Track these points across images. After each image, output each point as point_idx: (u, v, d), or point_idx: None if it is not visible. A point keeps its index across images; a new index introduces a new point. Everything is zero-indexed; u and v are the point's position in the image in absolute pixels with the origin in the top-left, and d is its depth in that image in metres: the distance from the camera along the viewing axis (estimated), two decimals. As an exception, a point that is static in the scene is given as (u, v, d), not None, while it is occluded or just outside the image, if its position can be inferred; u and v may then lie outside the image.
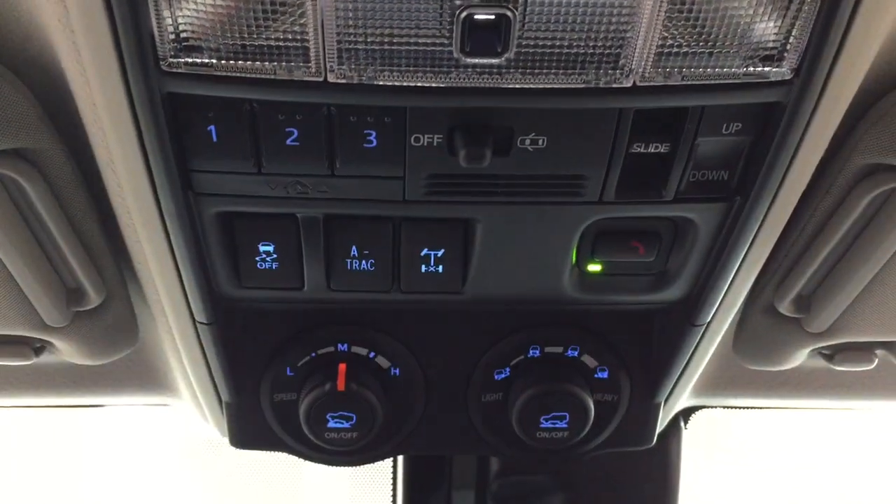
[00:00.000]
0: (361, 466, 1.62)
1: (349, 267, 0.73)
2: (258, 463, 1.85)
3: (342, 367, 0.83)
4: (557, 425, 0.86)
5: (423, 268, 0.74)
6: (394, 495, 1.38)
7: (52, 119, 0.68)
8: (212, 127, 0.61)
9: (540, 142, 0.62)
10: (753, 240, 0.71)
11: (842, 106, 0.62)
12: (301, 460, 0.96)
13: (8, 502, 2.19)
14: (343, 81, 0.57)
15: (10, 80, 0.64)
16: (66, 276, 0.78)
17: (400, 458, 1.34)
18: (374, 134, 0.62)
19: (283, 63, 0.56)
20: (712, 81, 0.58)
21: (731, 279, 0.75)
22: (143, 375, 1.00)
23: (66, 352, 0.87)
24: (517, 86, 0.57)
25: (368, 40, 0.55)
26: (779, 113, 0.61)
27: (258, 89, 0.57)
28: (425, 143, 0.62)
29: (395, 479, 1.37)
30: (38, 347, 0.88)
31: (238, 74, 0.56)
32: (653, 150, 0.64)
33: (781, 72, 0.58)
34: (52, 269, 0.77)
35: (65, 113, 0.67)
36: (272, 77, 0.56)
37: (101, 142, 0.65)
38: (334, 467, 0.97)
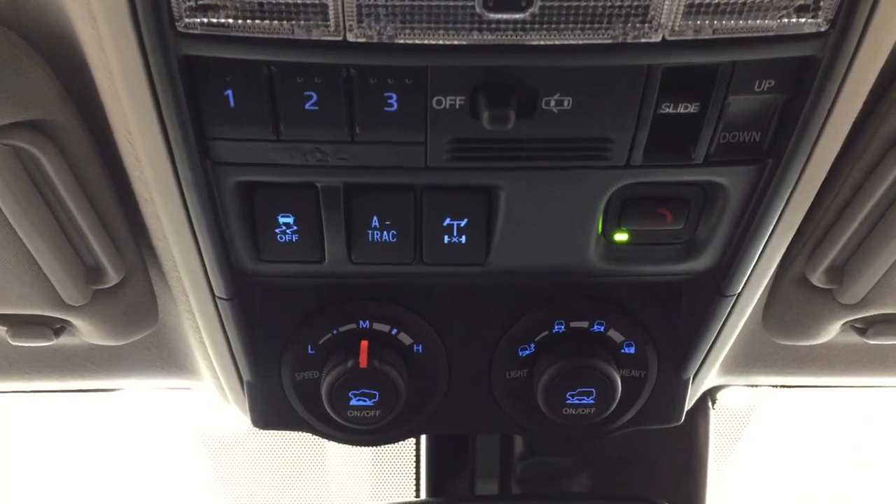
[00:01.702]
0: (385, 450, 1.63)
1: (370, 238, 0.72)
2: (281, 446, 1.85)
3: (364, 343, 0.82)
4: (584, 401, 0.84)
5: (446, 238, 0.72)
6: (417, 478, 1.37)
7: (68, 91, 0.67)
8: (229, 91, 0.59)
9: (565, 103, 0.60)
10: (786, 205, 0.69)
11: (878, 61, 0.60)
12: (324, 444, 0.95)
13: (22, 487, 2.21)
14: (363, 40, 0.55)
15: (25, 49, 0.63)
16: (84, 254, 0.78)
17: (423, 441, 1.33)
18: (394, 97, 0.60)
19: (302, 22, 0.54)
20: (744, 35, 0.56)
21: (762, 246, 0.73)
22: (164, 357, 1.00)
23: (85, 332, 0.87)
24: (542, 42, 0.56)
25: None
26: (813, 68, 0.59)
27: (276, 50, 0.56)
28: (447, 106, 0.60)
29: (418, 461, 1.36)
30: (58, 328, 0.87)
31: (255, 35, 0.55)
32: (682, 111, 0.62)
33: (816, 23, 0.56)
34: (71, 247, 0.76)
35: (81, 85, 0.66)
36: (290, 37, 0.55)
37: (118, 112, 0.64)
38: (358, 448, 0.96)
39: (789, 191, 0.68)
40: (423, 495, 1.33)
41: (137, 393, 1.15)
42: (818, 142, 0.64)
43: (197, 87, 0.59)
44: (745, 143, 0.65)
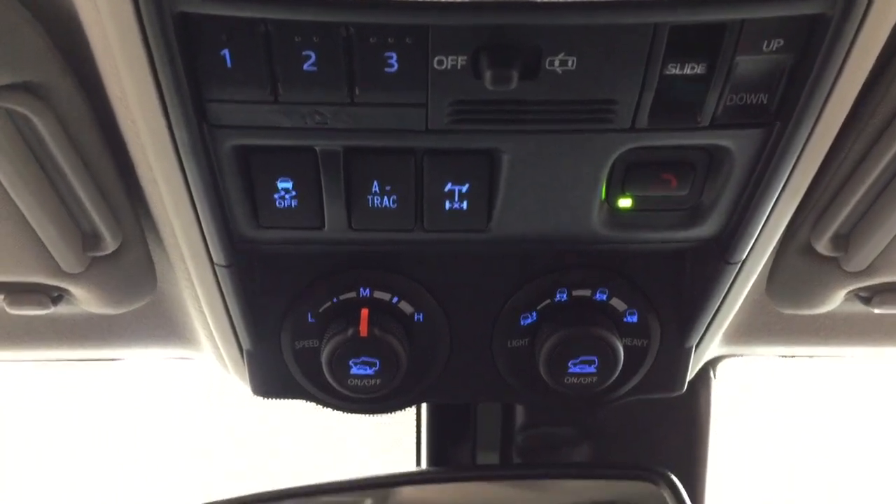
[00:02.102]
0: (385, 419, 1.63)
1: (370, 204, 0.71)
2: (280, 416, 1.86)
3: (364, 311, 0.82)
4: (586, 370, 0.84)
5: (447, 204, 0.71)
6: (418, 448, 1.37)
7: (62, 53, 0.65)
8: (225, 51, 0.58)
9: (569, 63, 0.59)
10: (793, 169, 0.68)
11: (890, 20, 0.58)
12: (324, 413, 0.95)
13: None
14: None
15: (17, 8, 0.61)
16: (81, 220, 0.77)
17: (424, 410, 1.33)
18: (394, 57, 0.59)
19: None
20: None
21: (768, 213, 0.72)
22: (164, 327, 0.99)
23: (83, 300, 0.86)
24: None
25: None
26: (823, 27, 0.57)
27: (272, 7, 0.55)
28: (449, 66, 0.59)
29: (419, 431, 1.36)
30: (56, 297, 0.87)
31: None
32: (688, 72, 0.60)
33: None
34: (67, 213, 0.76)
35: (76, 46, 0.65)
36: None
37: (113, 74, 0.63)
38: (358, 418, 0.96)
39: (796, 155, 0.66)
40: (423, 465, 1.33)
41: (139, 363, 1.15)
42: (827, 104, 0.63)
43: (193, 46, 0.58)
44: (753, 106, 0.64)
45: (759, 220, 0.73)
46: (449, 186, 0.70)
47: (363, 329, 0.81)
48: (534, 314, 0.86)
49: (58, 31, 0.64)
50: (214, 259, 0.75)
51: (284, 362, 0.88)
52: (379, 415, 0.95)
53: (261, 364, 0.89)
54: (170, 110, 0.61)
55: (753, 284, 0.86)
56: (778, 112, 0.64)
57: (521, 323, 0.86)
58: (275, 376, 0.89)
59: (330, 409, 0.93)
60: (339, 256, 0.82)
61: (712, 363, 1.21)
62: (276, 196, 0.70)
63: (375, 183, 0.69)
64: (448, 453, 1.29)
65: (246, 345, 0.87)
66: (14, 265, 0.80)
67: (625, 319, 0.86)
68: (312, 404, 0.93)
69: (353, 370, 0.82)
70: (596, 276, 0.84)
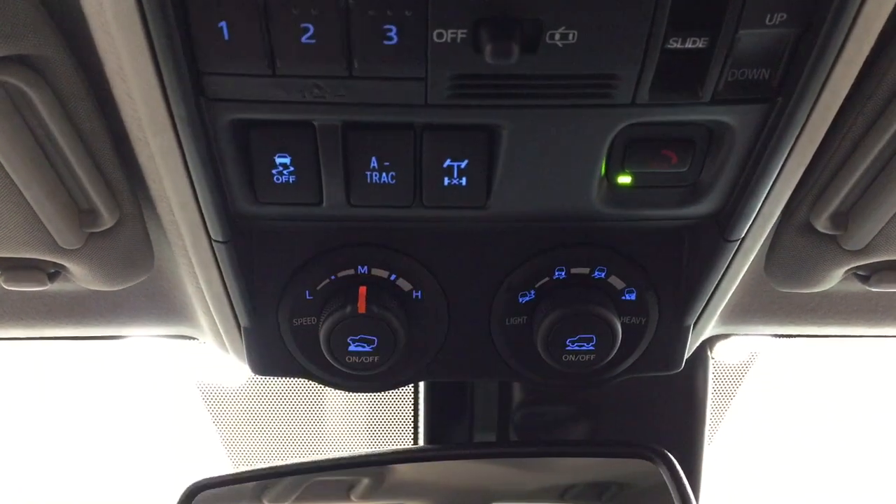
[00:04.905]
0: (382, 398, 1.63)
1: (369, 180, 0.70)
2: (278, 394, 1.86)
3: (363, 289, 0.82)
4: (584, 348, 0.84)
5: (446, 180, 0.71)
6: (415, 426, 1.38)
7: (58, 26, 0.65)
8: (223, 23, 0.57)
9: (570, 36, 0.59)
10: (793, 146, 0.68)
11: None
12: (321, 391, 0.95)
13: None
14: None
15: None
16: (77, 196, 0.77)
17: (421, 389, 1.33)
18: (394, 30, 0.58)
19: None
20: None
21: (768, 189, 0.72)
22: (162, 304, 0.99)
23: (80, 276, 0.86)
24: None
25: None
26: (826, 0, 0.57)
27: None
28: (448, 40, 0.58)
29: (416, 409, 1.36)
30: (53, 273, 0.86)
31: None
32: (690, 46, 0.60)
33: None
34: (64, 188, 0.75)
35: (71, 19, 0.64)
36: None
37: (110, 47, 0.62)
38: (355, 397, 0.97)
39: (797, 131, 0.66)
40: (421, 443, 1.33)
41: (139, 343, 1.15)
42: (829, 80, 0.62)
43: (190, 18, 0.57)
44: (754, 81, 0.63)
45: (758, 198, 0.72)
46: (448, 162, 0.69)
47: (361, 306, 0.80)
48: (532, 292, 0.86)
49: (53, 3, 0.63)
50: (212, 235, 0.75)
51: (282, 340, 0.88)
52: (376, 392, 0.95)
53: (258, 341, 0.89)
54: (167, 84, 0.60)
55: (752, 263, 0.86)
56: (780, 88, 0.63)
57: (520, 300, 0.86)
58: (273, 354, 0.89)
59: (327, 387, 0.93)
60: (338, 233, 0.82)
61: (709, 342, 1.21)
62: (274, 171, 0.70)
63: (374, 158, 0.69)
64: (445, 431, 1.29)
65: (244, 322, 0.87)
66: (10, 241, 0.79)
67: (623, 297, 0.86)
68: (309, 382, 0.93)
69: (352, 347, 0.82)
70: (594, 253, 0.84)
